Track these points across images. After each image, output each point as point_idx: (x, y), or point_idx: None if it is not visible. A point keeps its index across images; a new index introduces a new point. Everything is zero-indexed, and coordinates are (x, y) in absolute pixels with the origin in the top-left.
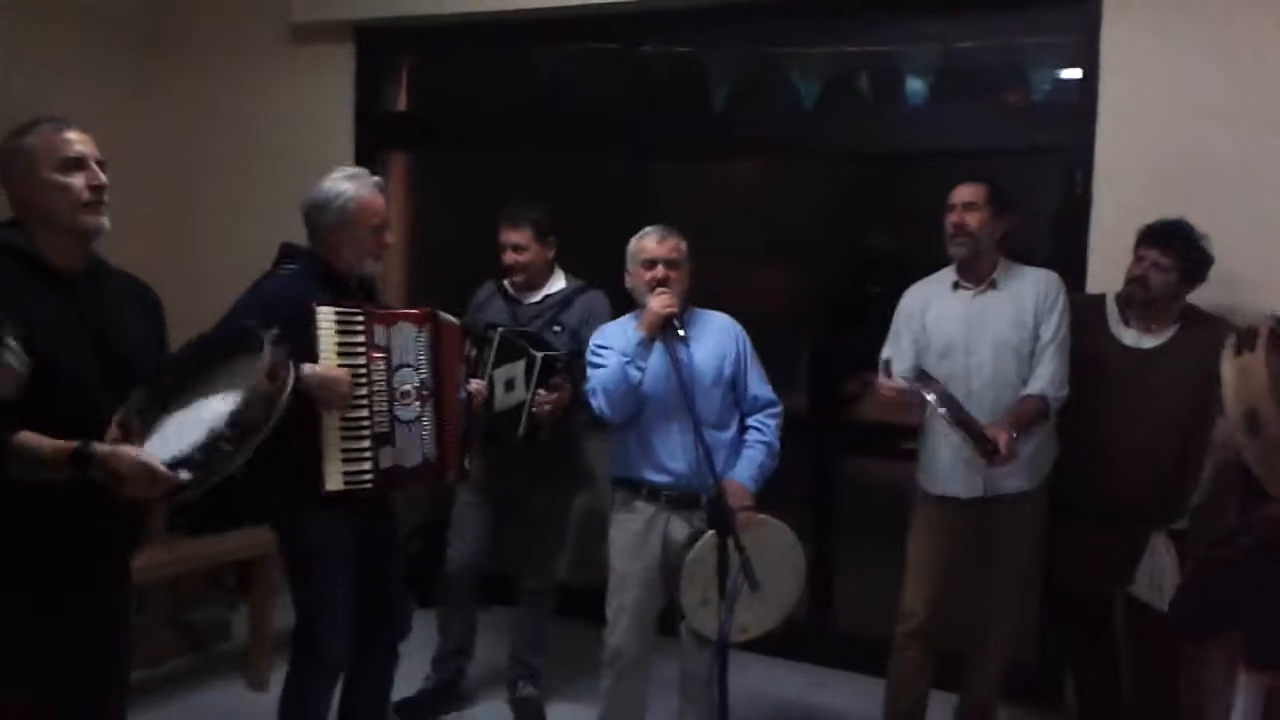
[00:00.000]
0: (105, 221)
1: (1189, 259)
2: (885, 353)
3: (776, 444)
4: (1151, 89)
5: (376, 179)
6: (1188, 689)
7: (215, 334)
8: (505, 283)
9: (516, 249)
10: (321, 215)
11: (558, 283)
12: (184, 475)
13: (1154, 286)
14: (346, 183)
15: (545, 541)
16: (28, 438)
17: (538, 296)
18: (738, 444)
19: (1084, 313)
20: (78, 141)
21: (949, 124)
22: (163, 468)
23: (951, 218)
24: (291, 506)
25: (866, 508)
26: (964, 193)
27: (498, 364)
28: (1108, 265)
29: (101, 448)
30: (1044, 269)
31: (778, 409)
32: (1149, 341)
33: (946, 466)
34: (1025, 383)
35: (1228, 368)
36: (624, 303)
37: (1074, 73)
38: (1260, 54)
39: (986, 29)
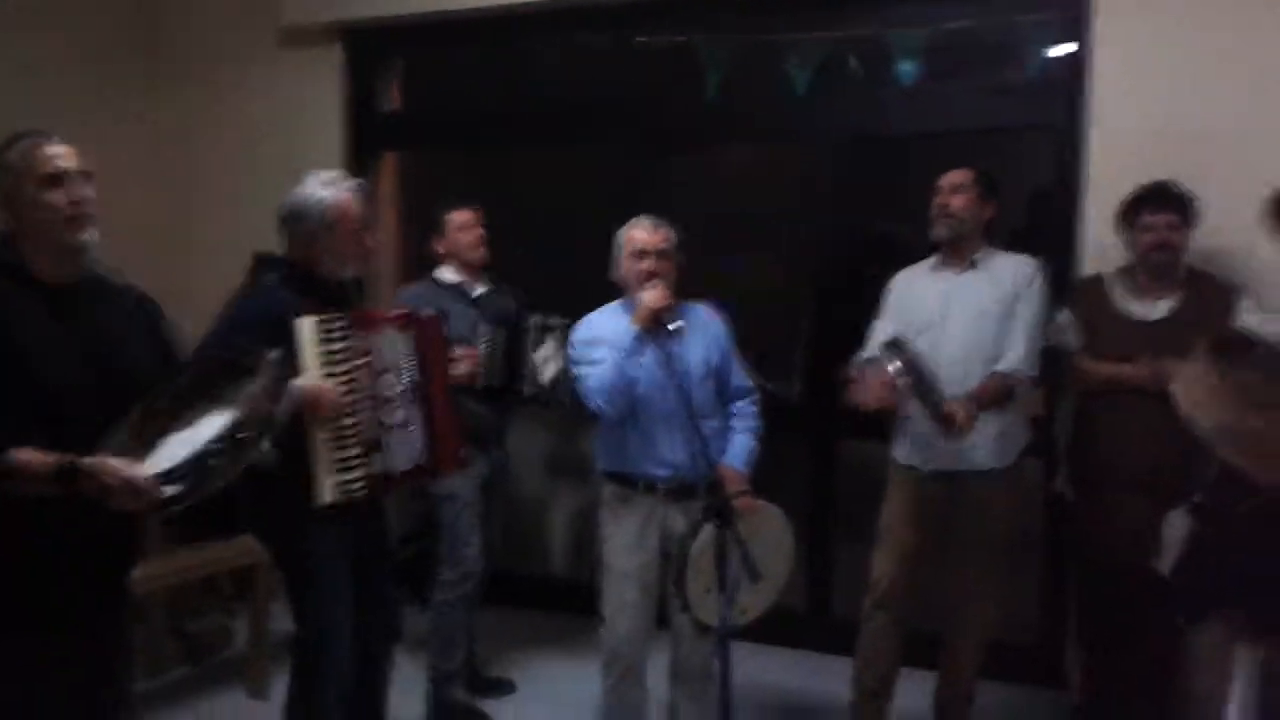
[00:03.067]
0: (89, 236)
1: (1191, 212)
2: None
3: (760, 428)
4: (1143, 61)
5: (357, 181)
6: (1184, 666)
7: (218, 354)
8: (446, 277)
9: (478, 224)
10: (299, 223)
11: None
12: (170, 489)
13: (1179, 247)
14: (323, 189)
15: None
16: (18, 453)
17: (482, 287)
18: (723, 431)
19: (1086, 294)
20: (59, 156)
21: (941, 105)
22: (147, 481)
23: (938, 200)
24: (286, 521)
25: (864, 494)
26: (954, 176)
27: (535, 347)
28: (1101, 240)
29: (87, 461)
30: (1024, 255)
31: (756, 395)
32: (1157, 311)
33: (912, 437)
34: (995, 361)
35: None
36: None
37: (1066, 49)
38: (1253, 19)
39: (976, 8)
